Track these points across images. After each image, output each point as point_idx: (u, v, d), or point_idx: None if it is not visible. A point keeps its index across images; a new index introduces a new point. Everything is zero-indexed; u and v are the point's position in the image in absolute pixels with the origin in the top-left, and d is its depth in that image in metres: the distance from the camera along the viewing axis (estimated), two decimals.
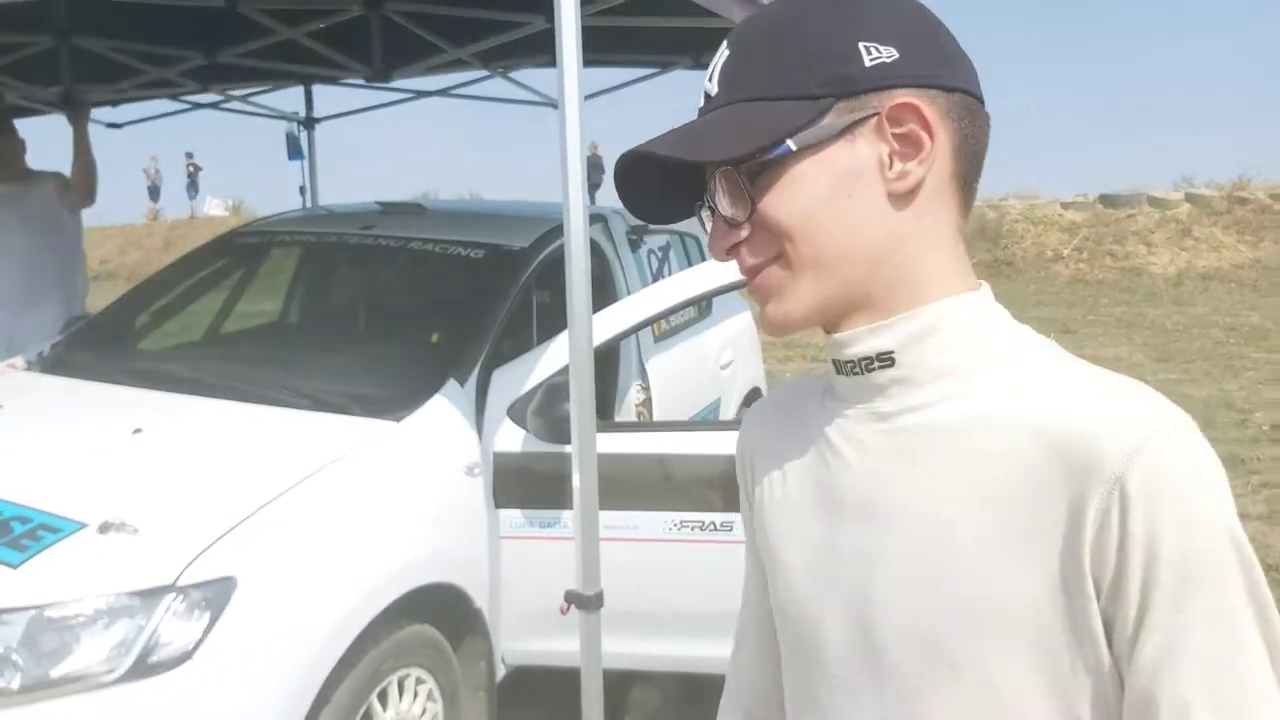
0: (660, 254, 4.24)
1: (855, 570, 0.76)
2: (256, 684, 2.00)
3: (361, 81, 5.41)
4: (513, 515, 2.65)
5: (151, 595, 1.91)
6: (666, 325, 3.92)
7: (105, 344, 3.38)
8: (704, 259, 4.53)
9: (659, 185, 0.79)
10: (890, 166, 0.72)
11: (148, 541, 2.00)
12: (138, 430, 2.44)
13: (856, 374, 0.77)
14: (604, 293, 3.46)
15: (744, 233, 0.75)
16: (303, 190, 6.20)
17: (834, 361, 0.79)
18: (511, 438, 2.65)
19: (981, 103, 0.76)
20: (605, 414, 3.45)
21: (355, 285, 3.89)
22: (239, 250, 3.92)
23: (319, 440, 2.43)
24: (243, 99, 5.92)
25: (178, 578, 1.94)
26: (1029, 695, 0.69)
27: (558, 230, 3.21)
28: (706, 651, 2.68)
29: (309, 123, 5.98)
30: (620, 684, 2.48)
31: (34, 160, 4.47)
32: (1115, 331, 10.13)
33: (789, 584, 0.82)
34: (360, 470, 2.39)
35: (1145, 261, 14.04)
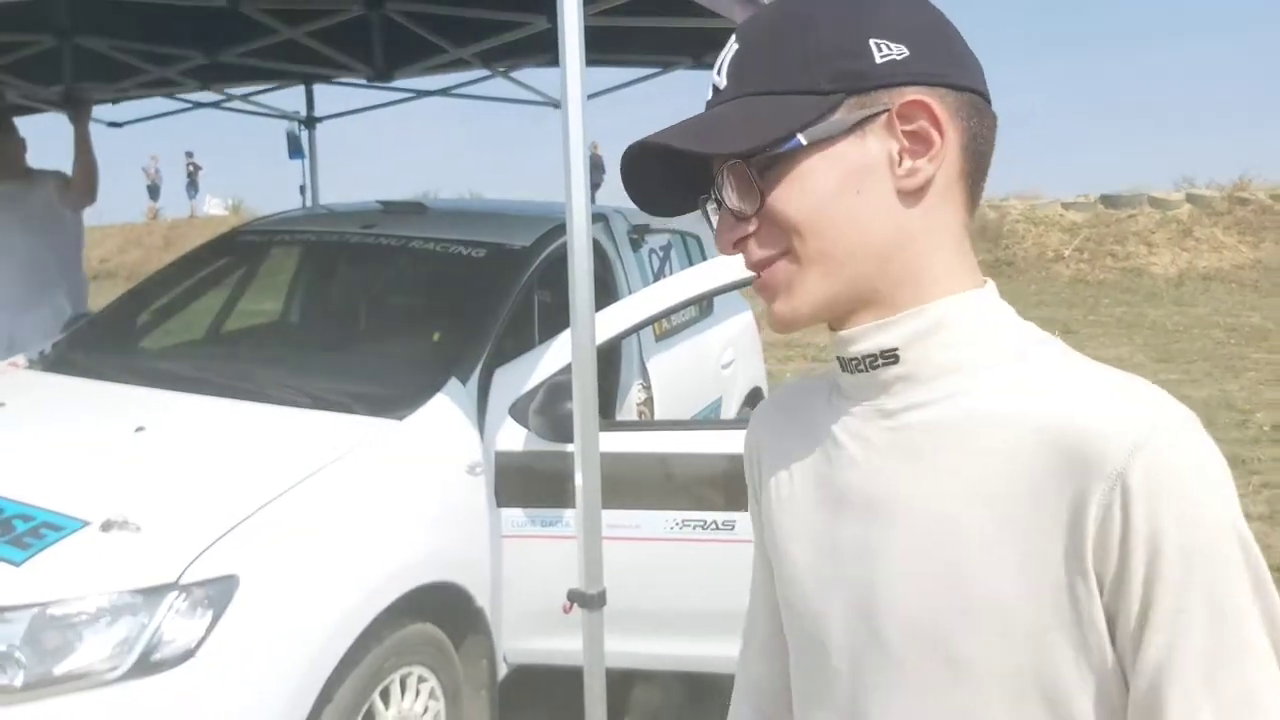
0: (661, 253, 4.24)
1: (859, 567, 0.76)
2: (259, 682, 2.00)
3: (362, 81, 5.41)
4: (514, 514, 2.65)
5: (154, 593, 1.92)
6: (668, 324, 3.92)
7: (107, 342, 3.38)
8: (705, 258, 4.54)
9: (661, 177, 0.79)
10: (900, 163, 0.72)
11: (150, 539, 2.00)
12: (140, 429, 2.45)
13: (861, 371, 0.77)
14: (605, 292, 3.46)
15: (751, 226, 0.75)
16: (303, 189, 6.21)
17: (839, 358, 0.79)
18: (513, 437, 2.65)
19: (989, 102, 0.76)
20: (607, 413, 3.45)
21: (357, 284, 3.89)
22: (240, 249, 3.92)
23: (321, 439, 2.43)
24: (243, 98, 5.92)
25: (180, 576, 1.94)
26: (1033, 691, 0.69)
27: (559, 229, 3.22)
28: (708, 650, 2.69)
29: (310, 122, 5.98)
30: (621, 683, 2.49)
31: (33, 159, 4.47)
32: (1116, 332, 10.13)
33: (795, 581, 0.83)
34: (362, 469, 2.39)
35: (1146, 262, 14.04)
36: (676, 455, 2.63)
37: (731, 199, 0.75)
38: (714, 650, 2.68)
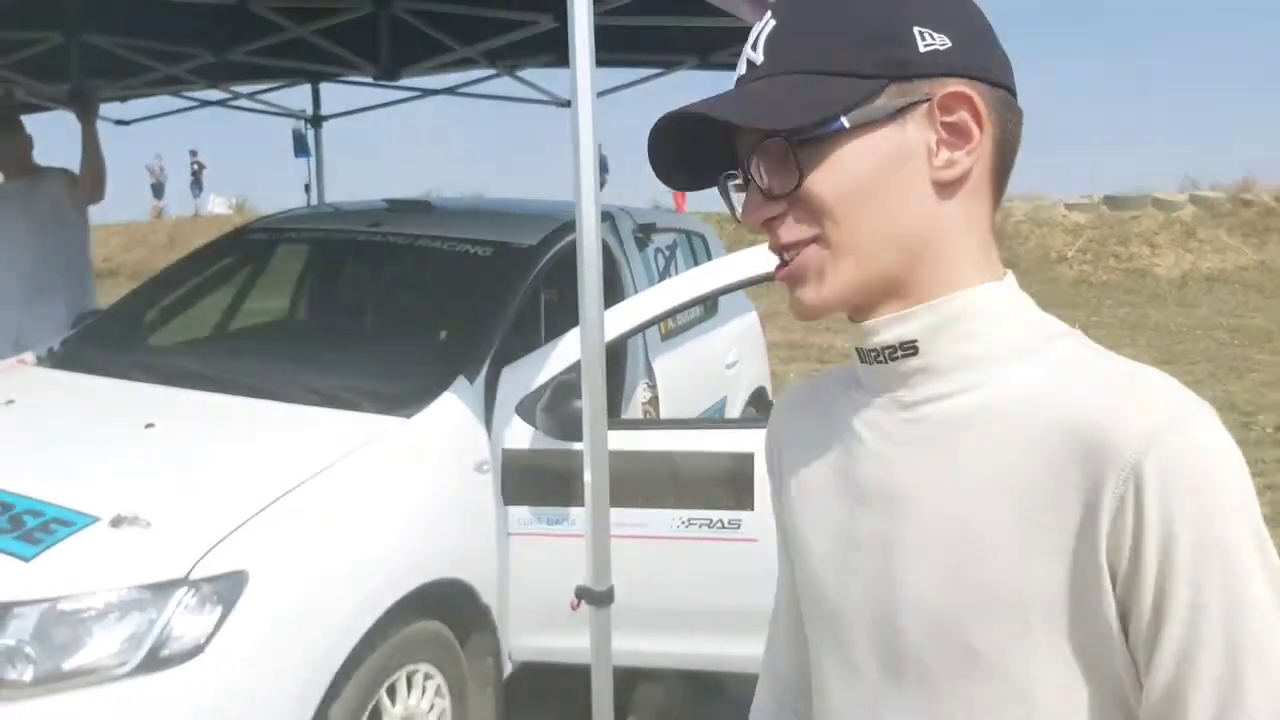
0: (667, 253, 4.25)
1: (877, 559, 0.76)
2: (268, 678, 2.01)
3: (369, 80, 5.41)
4: (521, 512, 2.66)
5: (164, 589, 1.92)
6: (673, 324, 3.93)
7: (115, 339, 3.39)
8: (710, 258, 4.55)
9: (678, 152, 0.78)
10: (937, 154, 0.72)
11: (160, 535, 2.01)
12: (149, 425, 2.45)
13: (880, 362, 0.77)
14: (612, 290, 3.46)
15: (780, 207, 0.74)
16: (308, 188, 6.21)
17: (857, 350, 0.79)
18: (520, 435, 2.66)
19: (1017, 100, 0.76)
20: (613, 412, 3.45)
21: (364, 282, 3.90)
22: (248, 246, 3.93)
23: (329, 436, 2.43)
24: (250, 96, 5.93)
25: (190, 571, 1.94)
26: (1047, 684, 0.69)
27: (565, 228, 3.23)
28: (713, 649, 2.69)
29: (316, 121, 5.99)
30: (626, 680, 2.50)
31: (40, 156, 4.48)
32: (1119, 333, 10.13)
33: (814, 572, 0.83)
34: (370, 466, 2.40)
35: (1149, 263, 14.03)
36: (683, 454, 2.64)
37: (765, 177, 0.73)
38: (719, 649, 2.68)
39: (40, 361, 3.14)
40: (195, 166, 23.87)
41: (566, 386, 2.55)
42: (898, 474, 0.75)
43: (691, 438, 2.76)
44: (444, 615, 2.47)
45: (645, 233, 4.06)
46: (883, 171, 0.71)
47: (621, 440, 2.47)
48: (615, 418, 3.34)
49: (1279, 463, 5.59)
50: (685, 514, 2.59)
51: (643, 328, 2.87)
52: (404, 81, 5.49)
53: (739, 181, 0.79)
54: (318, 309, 4.05)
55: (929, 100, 0.71)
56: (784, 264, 0.76)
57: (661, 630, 2.64)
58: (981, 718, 0.72)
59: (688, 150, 0.78)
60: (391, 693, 2.32)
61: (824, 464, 0.82)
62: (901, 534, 0.75)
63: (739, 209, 0.79)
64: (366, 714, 2.23)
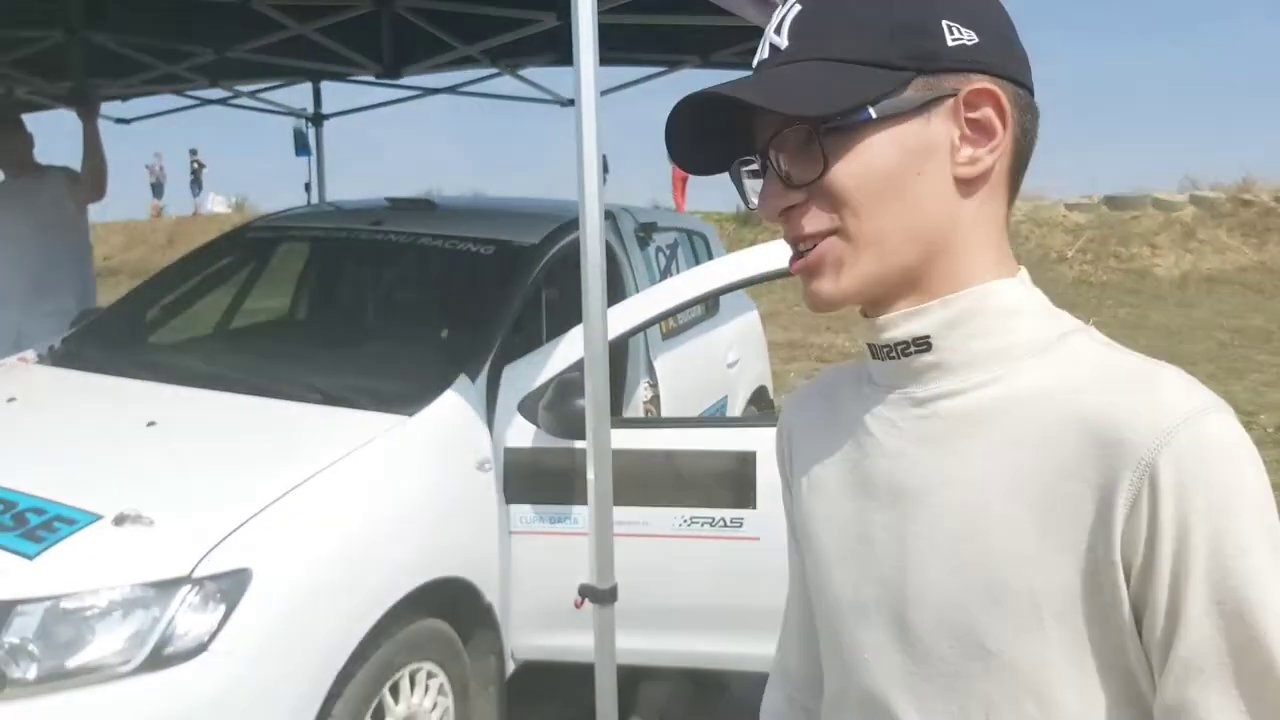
0: (668, 251, 4.25)
1: (889, 555, 0.76)
2: (272, 676, 2.01)
3: (370, 78, 5.41)
4: (523, 510, 2.66)
5: (167, 587, 1.92)
6: (674, 323, 3.93)
7: (117, 338, 3.38)
8: (711, 257, 4.55)
9: (689, 134, 0.78)
10: (959, 150, 0.72)
11: (163, 533, 2.01)
12: (151, 423, 2.45)
13: (892, 358, 0.76)
14: (613, 289, 3.46)
15: (800, 197, 0.73)
16: (308, 187, 6.21)
17: (869, 345, 0.78)
18: (522, 433, 2.66)
19: (1034, 99, 0.76)
20: (614, 411, 3.45)
21: (366, 280, 3.90)
22: (250, 245, 3.93)
23: (332, 434, 2.43)
24: (251, 95, 5.93)
25: (193, 569, 1.94)
26: (1061, 682, 0.69)
27: (567, 227, 3.23)
28: (715, 647, 2.69)
29: (317, 119, 5.99)
30: (627, 679, 2.50)
31: (39, 155, 4.47)
32: (1119, 333, 9.98)
33: (825, 568, 0.83)
34: (372, 464, 2.40)
35: (1150, 263, 14.02)
36: (685, 452, 2.64)
37: (787, 165, 0.73)
38: (721, 647, 2.69)
39: (41, 360, 3.14)
40: (195, 165, 23.85)
41: (568, 385, 2.55)
42: (910, 470, 0.75)
43: (693, 436, 2.76)
44: (446, 614, 2.48)
45: (646, 232, 4.06)
46: (907, 165, 0.71)
47: (623, 439, 2.47)
48: (617, 416, 3.34)
49: (1279, 463, 5.59)
50: (687, 512, 2.60)
51: (645, 326, 2.88)
52: (405, 80, 5.49)
53: (754, 168, 0.78)
54: (319, 307, 4.05)
55: (955, 95, 0.71)
56: (799, 255, 0.75)
57: (663, 628, 2.64)
58: (996, 715, 0.71)
59: (704, 134, 0.77)
60: (395, 691, 2.32)
61: (835, 460, 0.82)
62: (913, 530, 0.74)
63: (752, 197, 0.79)
64: (370, 712, 2.23)
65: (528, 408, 2.66)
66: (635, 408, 3.60)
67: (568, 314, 2.74)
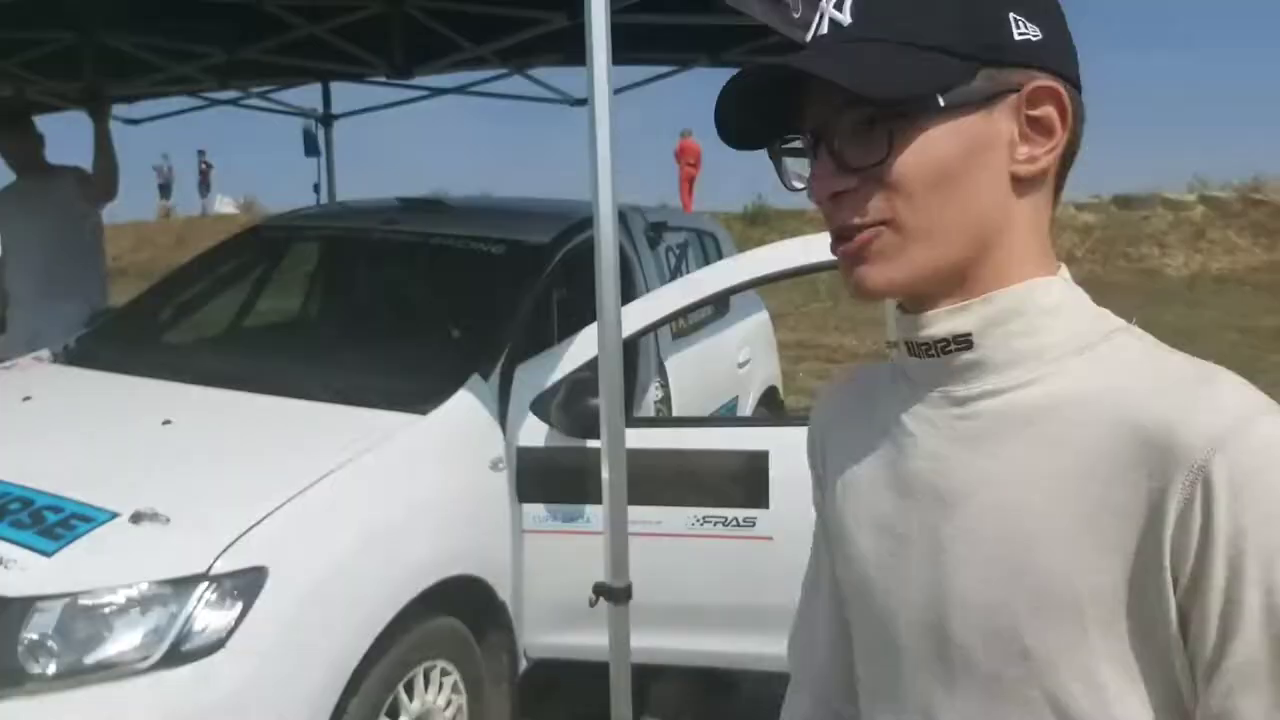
0: (678, 251, 4.25)
1: (927, 556, 0.75)
2: (288, 673, 2.02)
3: (381, 78, 5.42)
4: (536, 510, 2.67)
5: (184, 584, 1.93)
6: (684, 324, 3.93)
7: (131, 337, 3.40)
8: (721, 256, 4.55)
9: (735, 106, 0.75)
10: (1018, 147, 0.71)
11: (180, 531, 2.02)
12: (167, 422, 2.47)
13: (931, 356, 0.74)
14: (624, 289, 3.45)
15: (852, 182, 0.71)
16: (317, 188, 6.23)
17: (906, 343, 0.76)
18: (535, 432, 2.66)
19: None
20: (626, 410, 3.45)
21: (378, 280, 3.90)
22: (263, 245, 3.94)
23: (346, 433, 2.44)
24: (261, 95, 5.94)
25: (210, 567, 1.95)
26: (1101, 688, 0.67)
27: (578, 226, 3.24)
28: (727, 646, 2.69)
29: (326, 119, 6.01)
30: (638, 678, 2.50)
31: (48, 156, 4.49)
32: None
33: (861, 569, 0.81)
34: (387, 463, 2.41)
35: (1159, 263, 13.99)
36: (698, 452, 2.64)
37: (847, 147, 0.71)
38: (733, 646, 2.69)
39: (55, 359, 3.16)
40: (203, 166, 23.94)
41: (582, 384, 2.56)
42: (949, 470, 0.74)
43: (706, 435, 2.77)
44: (460, 612, 2.48)
45: (657, 231, 4.06)
46: (966, 158, 0.70)
47: (636, 438, 2.48)
48: (629, 416, 3.34)
49: None
50: (700, 512, 2.60)
51: (658, 325, 2.88)
52: (414, 80, 5.50)
53: (795, 146, 0.76)
54: (332, 307, 4.06)
55: (1017, 91, 0.70)
56: (843, 239, 0.73)
57: (676, 627, 2.64)
58: None
59: (747, 108, 0.75)
60: (409, 688, 2.33)
61: (871, 459, 0.81)
62: (952, 531, 0.73)
63: (793, 180, 0.77)
64: (384, 709, 2.24)
65: (541, 407, 2.67)
66: (646, 407, 3.60)
67: (579, 313, 2.75)
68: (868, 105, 0.68)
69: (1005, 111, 0.70)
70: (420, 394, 2.62)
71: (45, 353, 3.22)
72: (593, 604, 2.25)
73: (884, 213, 0.71)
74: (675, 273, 4.02)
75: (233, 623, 1.94)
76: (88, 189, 4.38)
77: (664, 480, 2.58)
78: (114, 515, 2.05)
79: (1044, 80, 0.70)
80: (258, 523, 2.06)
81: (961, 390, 0.74)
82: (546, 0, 4.06)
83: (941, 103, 0.68)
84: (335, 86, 5.93)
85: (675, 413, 3.63)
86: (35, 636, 1.88)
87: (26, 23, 4.19)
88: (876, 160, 0.69)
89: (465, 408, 2.64)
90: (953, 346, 0.73)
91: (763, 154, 0.79)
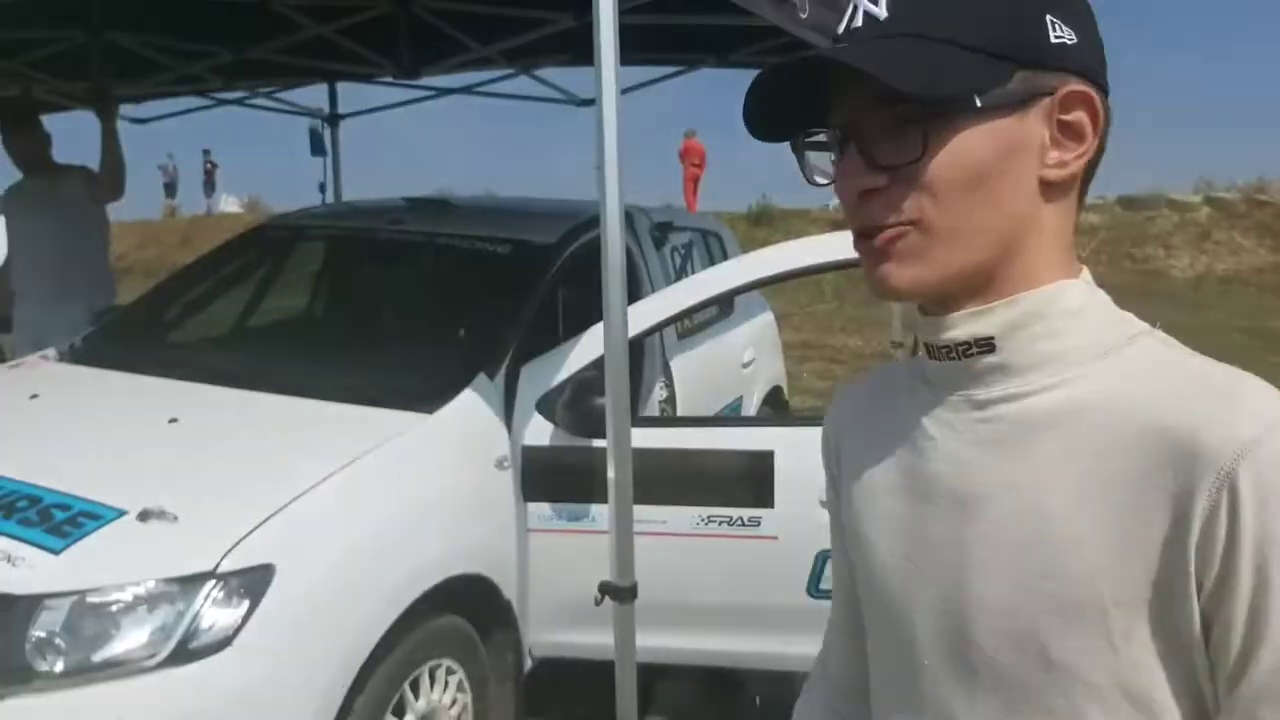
0: (683, 251, 4.26)
1: (947, 561, 0.74)
2: (295, 671, 2.02)
3: (388, 79, 5.43)
4: (541, 509, 2.67)
5: (192, 582, 1.94)
6: (689, 324, 3.93)
7: (137, 336, 3.41)
8: (726, 257, 4.55)
9: (763, 98, 0.74)
10: (1049, 152, 0.70)
11: (187, 529, 2.03)
12: (174, 420, 2.47)
13: (952, 359, 0.74)
14: (630, 289, 3.46)
15: (882, 180, 0.70)
16: (322, 187, 6.23)
17: (926, 345, 0.76)
18: (540, 431, 2.67)
19: None
20: (632, 410, 3.45)
21: (384, 279, 3.91)
22: (269, 244, 3.95)
23: (352, 432, 2.45)
24: (268, 95, 5.96)
25: (217, 565, 1.96)
26: (1126, 695, 0.67)
27: (584, 226, 3.24)
28: (733, 645, 2.70)
29: (333, 119, 6.02)
30: (642, 677, 2.50)
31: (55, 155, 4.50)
32: None
33: (878, 573, 0.80)
34: (393, 462, 2.41)
35: (1165, 265, 13.98)
36: (703, 451, 2.64)
37: (878, 144, 0.69)
38: (738, 645, 2.69)
39: (62, 357, 3.17)
40: (208, 166, 23.98)
41: (587, 383, 2.56)
42: (970, 474, 0.73)
43: (711, 435, 2.77)
44: (466, 611, 2.49)
45: (662, 232, 4.07)
46: (999, 160, 0.69)
47: (642, 437, 2.48)
48: (635, 415, 3.34)
49: None
50: (705, 511, 2.60)
51: (664, 325, 2.89)
52: (420, 80, 5.51)
53: (818, 139, 0.75)
54: (338, 306, 4.07)
55: (1051, 95, 0.69)
56: (866, 237, 0.72)
57: (680, 626, 2.64)
58: None
59: (774, 100, 0.74)
60: (415, 687, 2.33)
61: (889, 462, 0.80)
62: (973, 536, 0.72)
63: (815, 175, 0.77)
64: (390, 708, 2.25)
65: (546, 406, 2.67)
66: (651, 407, 3.60)
67: (584, 314, 2.75)
68: (902, 103, 0.67)
69: (1038, 115, 0.70)
70: (426, 393, 2.63)
71: (52, 351, 3.22)
72: (598, 603, 2.25)
73: (912, 212, 0.70)
74: (680, 273, 4.02)
75: (239, 621, 1.94)
76: (94, 188, 4.39)
77: (669, 480, 2.58)
78: (122, 513, 2.06)
79: (1077, 85, 0.70)
80: (264, 521, 2.06)
81: (982, 394, 0.73)
82: (553, 0, 4.07)
83: (978, 104, 0.67)
84: (341, 86, 5.94)
85: (680, 412, 3.63)
86: (43, 634, 1.88)
87: (34, 22, 4.21)
88: (910, 159, 0.68)
89: (471, 407, 2.64)
90: (974, 350, 0.73)
91: (765, 154, 0.78)
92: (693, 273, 3.97)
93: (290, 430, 2.52)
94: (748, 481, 2.57)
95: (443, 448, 2.56)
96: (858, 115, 0.70)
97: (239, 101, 6.02)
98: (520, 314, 2.94)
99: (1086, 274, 0.75)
